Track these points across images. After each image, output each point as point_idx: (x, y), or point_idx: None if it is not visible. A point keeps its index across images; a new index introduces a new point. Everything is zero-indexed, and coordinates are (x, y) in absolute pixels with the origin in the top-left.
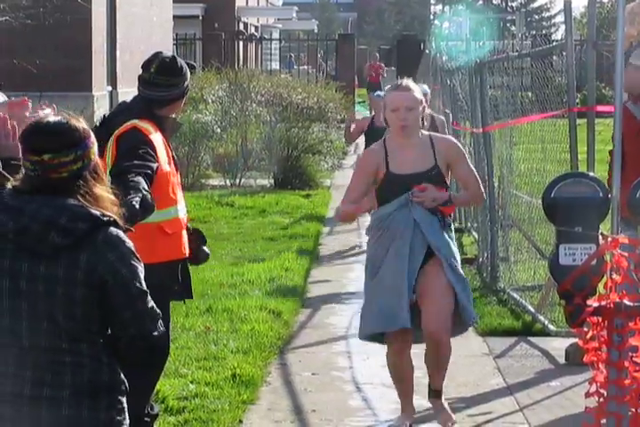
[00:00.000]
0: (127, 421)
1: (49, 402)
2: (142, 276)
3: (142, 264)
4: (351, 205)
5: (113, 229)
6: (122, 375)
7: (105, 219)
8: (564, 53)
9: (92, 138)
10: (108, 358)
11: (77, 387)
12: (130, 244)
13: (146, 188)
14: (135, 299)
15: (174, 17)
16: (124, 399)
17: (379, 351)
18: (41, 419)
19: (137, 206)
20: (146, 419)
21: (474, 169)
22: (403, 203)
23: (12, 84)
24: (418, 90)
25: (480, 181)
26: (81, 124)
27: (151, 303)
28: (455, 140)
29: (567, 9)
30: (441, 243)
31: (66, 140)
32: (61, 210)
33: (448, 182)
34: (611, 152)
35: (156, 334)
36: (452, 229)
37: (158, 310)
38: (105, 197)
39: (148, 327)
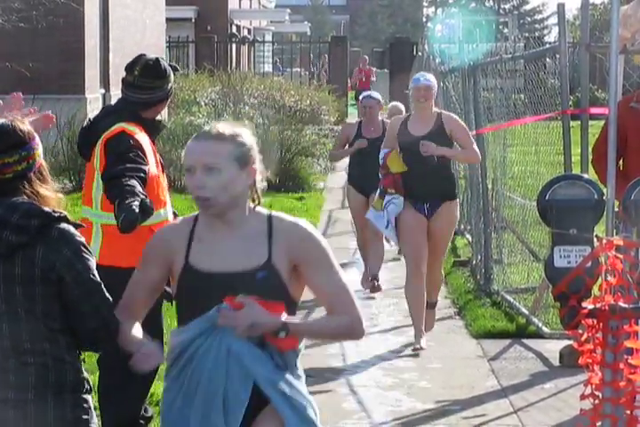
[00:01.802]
0: (95, 420)
1: (15, 404)
2: (95, 268)
3: (94, 257)
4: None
5: (65, 225)
6: (85, 374)
7: (56, 215)
8: (557, 56)
9: (37, 140)
10: (70, 356)
11: (42, 388)
12: (81, 238)
13: (142, 191)
14: (92, 292)
15: (167, 19)
16: (89, 398)
17: (373, 354)
18: (7, 421)
19: (137, 210)
20: (140, 421)
21: (343, 279)
22: (209, 324)
23: (5, 87)
24: (234, 137)
25: (355, 301)
26: (25, 126)
27: (106, 293)
28: (310, 230)
29: (560, 11)
30: (272, 378)
31: (10, 141)
32: (12, 208)
33: (299, 291)
34: (594, 148)
35: (114, 321)
36: (300, 373)
37: (110, 298)
38: (51, 197)
39: (107, 317)
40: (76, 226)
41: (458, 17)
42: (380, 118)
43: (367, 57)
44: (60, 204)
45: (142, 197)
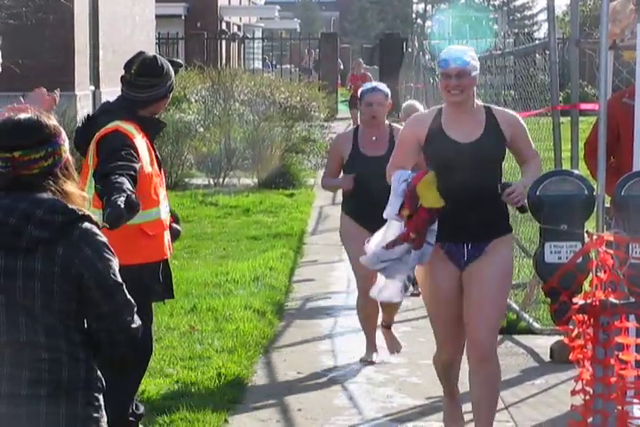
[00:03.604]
0: (105, 418)
1: (27, 399)
2: (117, 269)
3: (116, 258)
4: None
5: (88, 224)
6: (98, 372)
7: (80, 213)
8: (547, 52)
9: (64, 135)
10: (85, 354)
11: (55, 384)
12: (103, 238)
13: (130, 188)
14: (112, 293)
15: (157, 16)
16: (100, 397)
17: (363, 350)
18: (20, 416)
19: (122, 206)
20: (131, 419)
21: None
22: None
23: None
24: None
25: None
26: (52, 121)
27: (127, 295)
28: None
29: (550, 7)
30: None
31: (37, 136)
32: (37, 203)
33: None
34: (585, 144)
35: (134, 325)
36: None
37: (133, 301)
38: (75, 194)
39: (126, 320)
40: (101, 227)
41: (448, 13)
42: (386, 123)
43: (361, 60)
44: (84, 201)
45: (129, 193)
